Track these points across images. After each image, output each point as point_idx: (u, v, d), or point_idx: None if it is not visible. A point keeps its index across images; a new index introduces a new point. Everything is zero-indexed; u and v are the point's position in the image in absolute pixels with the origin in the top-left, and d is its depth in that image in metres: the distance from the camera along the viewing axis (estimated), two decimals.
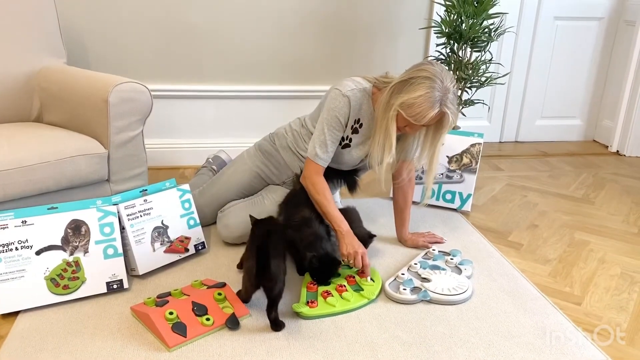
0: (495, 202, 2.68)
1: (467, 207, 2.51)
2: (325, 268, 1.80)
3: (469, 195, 2.50)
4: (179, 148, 2.95)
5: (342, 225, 1.87)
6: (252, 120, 2.98)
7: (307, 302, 1.70)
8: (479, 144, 2.49)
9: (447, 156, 2.52)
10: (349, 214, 2.03)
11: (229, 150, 2.60)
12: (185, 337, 1.53)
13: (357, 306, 1.73)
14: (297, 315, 1.67)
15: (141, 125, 1.97)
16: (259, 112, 2.98)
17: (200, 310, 1.62)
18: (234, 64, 2.89)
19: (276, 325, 1.61)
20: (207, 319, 1.59)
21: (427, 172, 1.93)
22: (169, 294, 1.71)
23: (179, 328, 1.55)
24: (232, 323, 1.61)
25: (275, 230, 1.56)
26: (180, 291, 1.71)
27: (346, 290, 1.78)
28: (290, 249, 1.86)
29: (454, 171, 2.52)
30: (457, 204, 2.52)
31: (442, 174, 2.53)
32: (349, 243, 1.83)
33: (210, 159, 2.57)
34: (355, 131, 1.96)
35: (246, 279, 1.66)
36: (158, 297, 1.69)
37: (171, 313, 1.57)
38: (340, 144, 1.96)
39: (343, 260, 1.85)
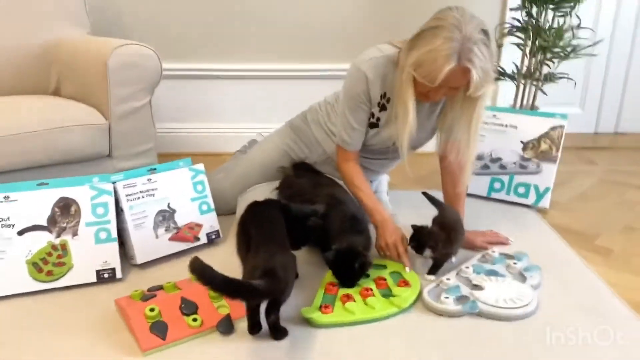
0: (582, 199, 2.19)
1: (545, 203, 2.06)
2: (345, 265, 1.47)
3: (547, 189, 2.05)
4: (222, 133, 2.73)
5: (376, 215, 1.64)
6: (300, 103, 2.68)
7: (321, 307, 1.38)
8: (561, 126, 2.04)
9: (522, 142, 2.09)
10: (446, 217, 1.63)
11: None
12: (164, 340, 1.27)
13: (383, 316, 1.38)
14: (307, 322, 1.36)
15: (148, 95, 1.74)
16: (308, 94, 2.68)
17: (188, 308, 1.35)
18: (283, 40, 2.62)
19: (276, 331, 1.30)
20: (194, 320, 1.32)
21: (465, 149, 1.58)
22: (161, 287, 1.46)
23: (158, 328, 1.29)
24: (224, 326, 1.32)
25: (266, 212, 1.25)
26: (174, 284, 1.46)
27: (372, 295, 1.43)
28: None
29: (529, 160, 2.08)
30: (532, 199, 2.08)
31: (515, 162, 2.10)
32: (382, 234, 1.60)
33: (246, 144, 2.33)
34: (383, 108, 1.64)
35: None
36: (148, 290, 1.45)
37: (152, 310, 1.31)
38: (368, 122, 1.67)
39: (381, 253, 1.61)
